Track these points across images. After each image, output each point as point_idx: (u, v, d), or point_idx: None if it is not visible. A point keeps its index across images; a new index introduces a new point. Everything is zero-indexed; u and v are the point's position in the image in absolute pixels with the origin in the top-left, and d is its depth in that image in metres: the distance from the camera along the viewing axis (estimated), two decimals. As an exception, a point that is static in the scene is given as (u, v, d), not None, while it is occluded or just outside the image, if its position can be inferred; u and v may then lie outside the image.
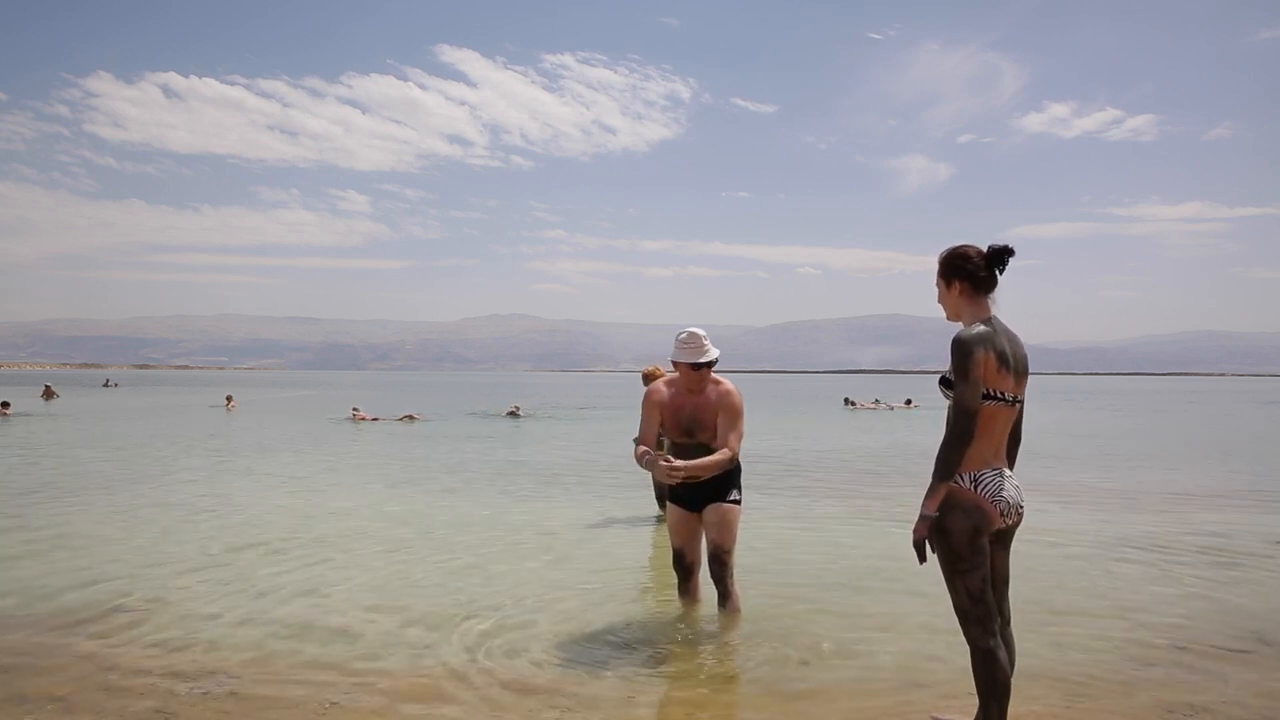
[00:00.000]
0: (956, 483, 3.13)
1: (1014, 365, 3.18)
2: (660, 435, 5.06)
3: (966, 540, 3.10)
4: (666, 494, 5.22)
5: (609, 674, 4.27)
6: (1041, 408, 38.49)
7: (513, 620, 5.15)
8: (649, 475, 9.24)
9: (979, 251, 3.29)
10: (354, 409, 26.36)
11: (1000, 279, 3.30)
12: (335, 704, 3.87)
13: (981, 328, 3.17)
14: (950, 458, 3.08)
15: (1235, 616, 5.30)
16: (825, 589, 5.91)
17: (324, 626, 5.03)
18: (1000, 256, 3.26)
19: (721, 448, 4.83)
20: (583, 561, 6.76)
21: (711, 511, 4.95)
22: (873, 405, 35.80)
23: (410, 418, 25.39)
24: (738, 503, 5.00)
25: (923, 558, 3.15)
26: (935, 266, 3.47)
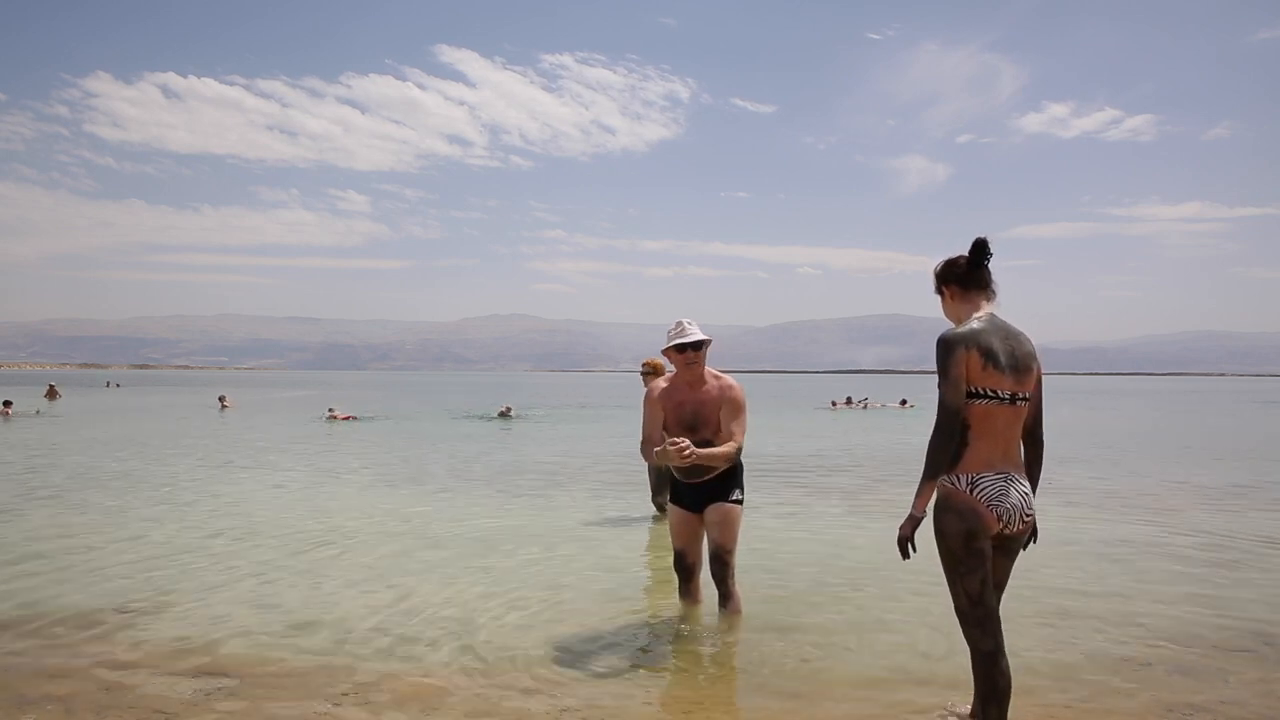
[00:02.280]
0: (953, 485, 3.10)
1: (1007, 362, 3.11)
2: (663, 434, 5.04)
3: (961, 543, 3.08)
4: (667, 495, 5.21)
5: (609, 674, 4.27)
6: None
7: (512, 620, 5.15)
8: (646, 477, 9.21)
9: (962, 256, 3.32)
10: (330, 409, 26.66)
11: (990, 274, 3.29)
12: (335, 704, 3.87)
13: (970, 325, 3.15)
14: (934, 456, 3.06)
15: (1235, 616, 5.30)
16: (825, 589, 5.91)
17: (323, 626, 5.02)
18: (978, 250, 3.25)
19: (726, 442, 4.82)
20: (582, 562, 6.76)
21: (713, 511, 4.93)
22: (848, 404, 36.39)
23: (346, 418, 25.56)
24: (740, 503, 4.98)
25: (905, 554, 3.14)
26: (935, 270, 3.46)
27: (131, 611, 5.30)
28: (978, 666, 3.16)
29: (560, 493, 10.67)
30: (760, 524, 8.24)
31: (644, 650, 4.64)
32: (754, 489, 10.55)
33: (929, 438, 3.11)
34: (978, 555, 3.07)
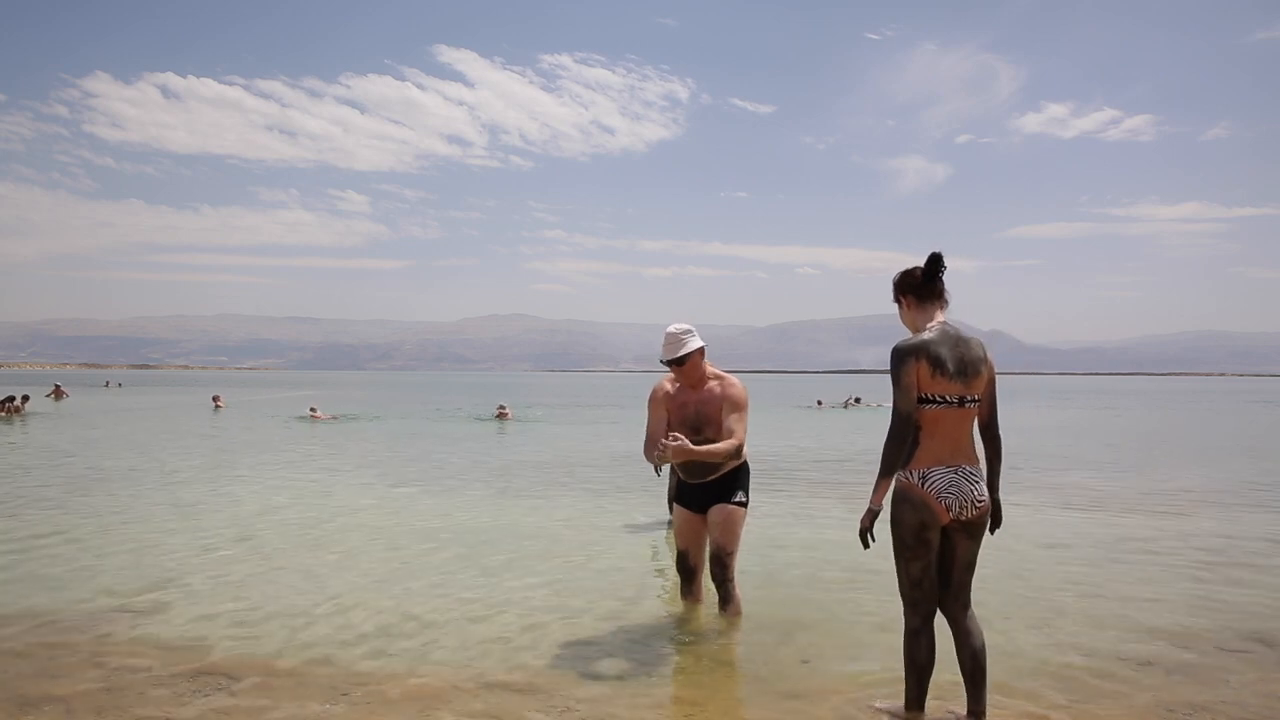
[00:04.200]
0: (908, 479, 3.43)
1: (955, 369, 3.39)
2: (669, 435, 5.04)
3: (912, 533, 3.44)
4: (674, 496, 5.21)
5: (609, 674, 4.27)
6: (1042, 408, 38.52)
7: (512, 620, 5.15)
8: (657, 479, 9.19)
9: (919, 268, 3.62)
10: (311, 408, 26.85)
11: (943, 285, 3.57)
12: (335, 704, 3.87)
13: (922, 336, 3.44)
14: (888, 456, 3.39)
15: (1235, 616, 5.30)
16: (824, 588, 5.91)
17: (323, 627, 5.02)
18: (932, 263, 3.54)
19: (727, 440, 4.79)
20: (581, 562, 6.76)
21: (716, 512, 4.91)
22: (855, 403, 36.75)
23: (329, 417, 25.69)
24: (743, 504, 4.94)
25: (865, 545, 3.49)
26: (893, 280, 3.68)
27: (131, 611, 5.30)
28: (905, 640, 3.53)
29: (560, 493, 10.66)
30: (758, 524, 8.23)
31: (644, 650, 4.63)
32: (753, 488, 10.55)
33: (885, 439, 3.41)
34: (925, 545, 3.44)
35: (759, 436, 19.31)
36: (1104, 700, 3.94)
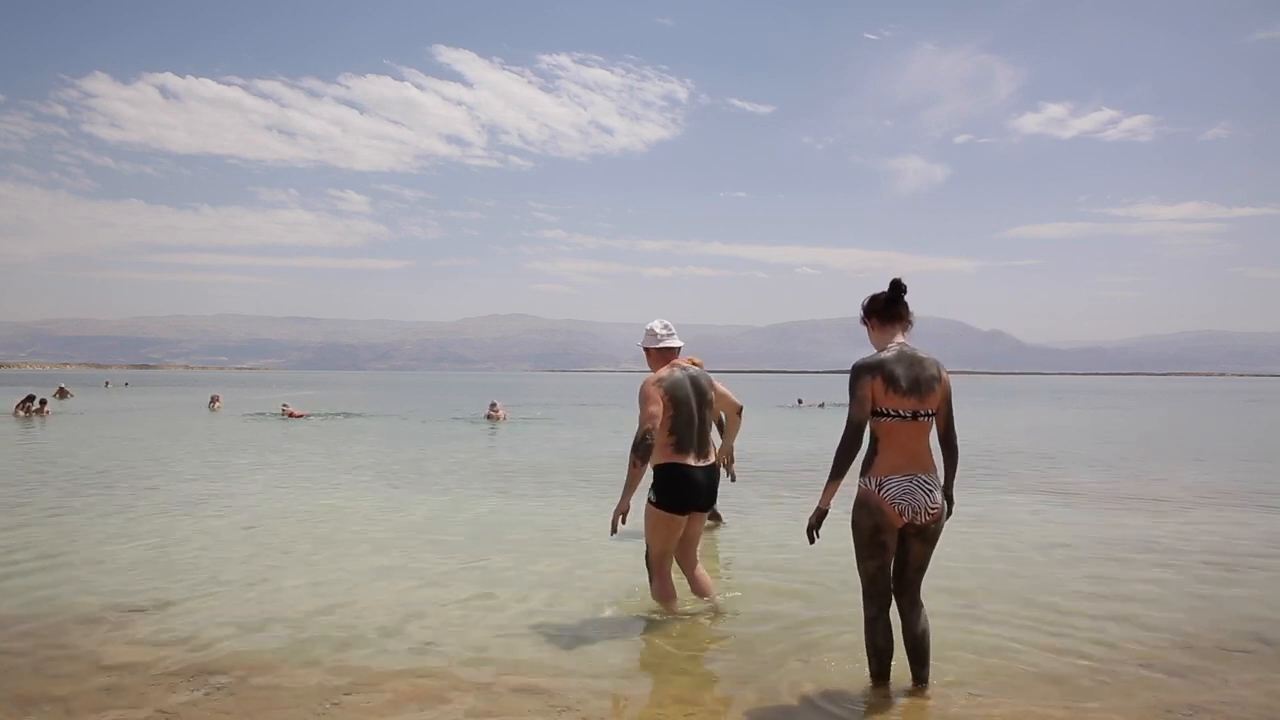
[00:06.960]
0: (866, 486, 3.78)
1: (909, 386, 3.74)
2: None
3: (867, 535, 3.79)
4: None
5: (608, 674, 4.27)
6: (1043, 409, 38.54)
7: (511, 620, 5.16)
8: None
9: (884, 292, 3.94)
10: (284, 405, 27.07)
11: (906, 308, 3.90)
12: (335, 704, 3.87)
13: (880, 355, 3.80)
14: (838, 460, 3.71)
15: (1235, 616, 5.31)
16: (824, 589, 5.91)
17: (323, 626, 5.02)
18: (894, 289, 3.90)
19: None
20: (581, 562, 6.76)
21: None
22: (803, 403, 37.13)
23: (302, 415, 25.85)
24: (650, 501, 4.99)
25: (811, 540, 3.82)
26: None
27: (131, 611, 5.31)
28: (865, 626, 3.93)
29: (559, 493, 10.66)
30: (757, 525, 8.23)
31: (644, 650, 4.64)
32: (750, 489, 10.55)
33: (837, 445, 3.70)
34: (880, 546, 3.79)
35: (765, 437, 19.28)
36: (1104, 700, 3.94)
